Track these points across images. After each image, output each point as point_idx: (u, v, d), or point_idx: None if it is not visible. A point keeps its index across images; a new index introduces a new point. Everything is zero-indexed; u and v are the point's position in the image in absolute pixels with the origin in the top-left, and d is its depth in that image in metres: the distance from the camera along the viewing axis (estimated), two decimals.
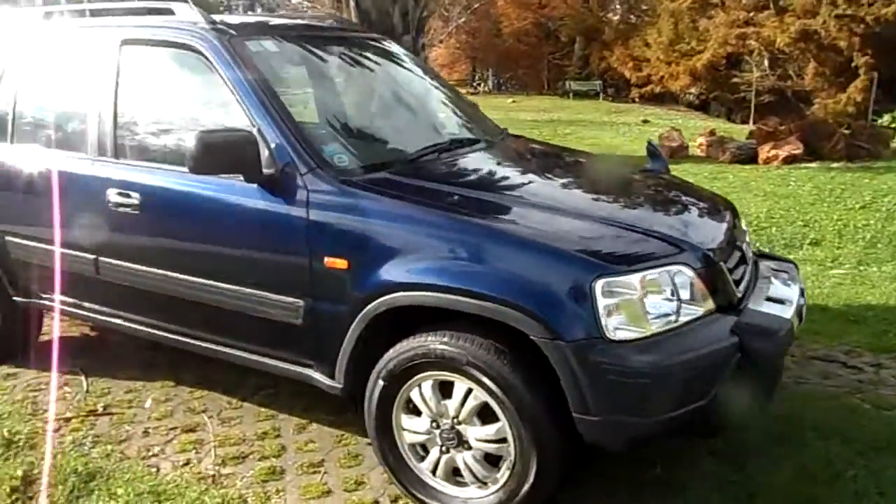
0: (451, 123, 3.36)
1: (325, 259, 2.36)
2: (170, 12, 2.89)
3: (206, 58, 2.66)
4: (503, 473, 2.24)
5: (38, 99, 3.25)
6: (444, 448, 2.31)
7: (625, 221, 2.37)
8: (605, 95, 26.26)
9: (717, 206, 2.82)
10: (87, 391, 3.31)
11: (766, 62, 23.23)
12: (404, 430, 2.39)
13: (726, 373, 2.15)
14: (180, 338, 2.89)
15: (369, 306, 2.29)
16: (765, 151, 10.15)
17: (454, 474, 2.34)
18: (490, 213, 2.33)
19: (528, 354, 2.11)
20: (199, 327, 2.82)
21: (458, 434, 2.27)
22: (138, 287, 2.87)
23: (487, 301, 2.09)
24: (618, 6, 28.92)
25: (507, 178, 2.91)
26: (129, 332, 3.08)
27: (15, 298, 3.38)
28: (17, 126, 3.22)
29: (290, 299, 2.48)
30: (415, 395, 2.33)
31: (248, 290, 2.56)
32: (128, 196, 2.77)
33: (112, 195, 2.81)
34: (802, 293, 2.58)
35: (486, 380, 2.15)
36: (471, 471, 2.29)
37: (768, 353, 2.22)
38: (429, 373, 2.27)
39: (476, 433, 2.25)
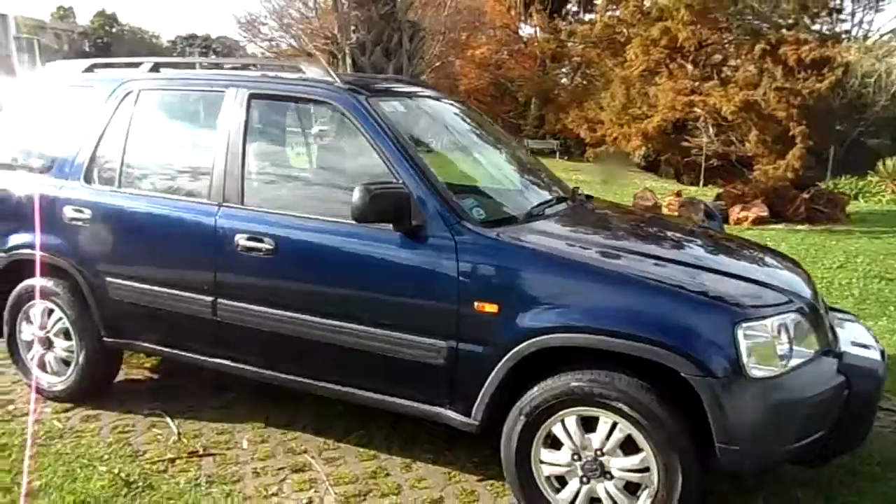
0: (542, 180, 3.65)
1: (475, 303, 2.57)
2: (298, 70, 3.12)
3: (345, 114, 2.88)
4: (644, 500, 2.45)
5: (150, 146, 3.39)
6: (584, 479, 2.51)
7: (741, 274, 2.68)
8: (560, 154, 27.36)
9: (793, 262, 3.18)
10: (180, 433, 3.34)
11: (711, 128, 24.68)
12: (543, 462, 2.57)
13: (839, 407, 2.46)
14: (301, 379, 3.00)
15: (519, 347, 2.50)
16: (735, 213, 10.88)
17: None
18: (631, 261, 2.61)
19: (669, 390, 2.37)
20: (325, 369, 2.95)
21: (601, 465, 2.48)
22: (262, 329, 2.99)
23: (642, 342, 2.35)
24: (565, 71, 30.48)
25: (620, 232, 3.19)
26: (236, 372, 3.16)
27: (105, 339, 3.43)
28: (126, 172, 3.34)
29: (433, 341, 2.65)
30: (557, 430, 2.53)
31: (388, 333, 2.73)
32: (260, 241, 2.92)
33: (241, 240, 2.95)
34: (876, 340, 2.94)
35: (634, 414, 2.38)
36: (612, 499, 2.49)
37: (870, 390, 2.54)
38: (574, 409, 2.48)
39: (620, 463, 2.46)
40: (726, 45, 24.87)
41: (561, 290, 2.50)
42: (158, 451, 3.19)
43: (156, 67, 3.49)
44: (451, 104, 3.82)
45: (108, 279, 3.31)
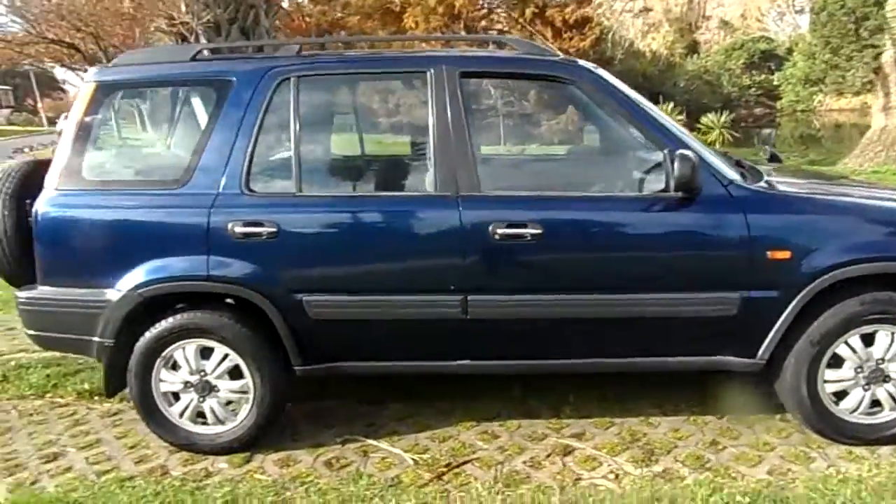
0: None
1: (768, 253, 2.80)
2: (506, 47, 2.99)
3: (583, 89, 2.87)
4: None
5: (329, 140, 3.02)
6: (865, 386, 2.91)
7: None
8: None
9: None
10: (415, 460, 3.06)
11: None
12: (827, 381, 2.93)
13: None
14: (565, 361, 2.98)
15: (812, 284, 2.79)
16: None
17: (873, 406, 2.95)
18: (871, 198, 3.02)
19: None
20: (596, 345, 2.96)
21: (881, 371, 2.90)
22: (525, 318, 2.89)
23: None
24: None
25: (825, 181, 3.56)
26: (479, 371, 3.03)
27: (298, 368, 3.01)
28: (307, 173, 2.93)
29: (725, 294, 2.83)
30: (841, 350, 2.89)
31: (677, 296, 2.84)
32: (523, 227, 2.81)
33: (499, 229, 2.81)
34: None
35: None
36: (892, 399, 2.93)
37: None
38: (856, 329, 2.86)
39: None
40: (498, 11, 26.66)
41: (838, 228, 2.84)
42: (412, 474, 2.93)
43: (288, 51, 3.05)
44: None
45: (308, 298, 2.90)
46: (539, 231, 2.80)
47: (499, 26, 26.66)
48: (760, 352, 2.90)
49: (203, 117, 3.06)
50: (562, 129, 3.06)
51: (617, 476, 2.86)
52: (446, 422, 3.34)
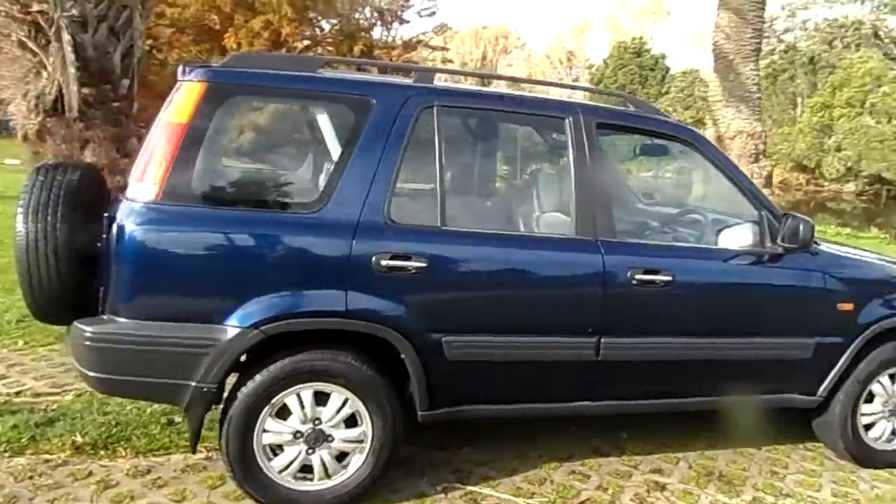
0: None
1: (837, 305, 3.26)
2: (625, 103, 3.17)
3: (702, 152, 3.14)
4: None
5: (467, 175, 2.91)
6: (889, 418, 3.48)
7: None
8: None
9: None
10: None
11: None
12: (862, 414, 3.45)
13: None
14: (675, 400, 3.16)
15: (866, 332, 3.31)
16: None
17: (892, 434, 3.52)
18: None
19: None
20: (704, 384, 3.18)
21: None
22: (648, 360, 3.02)
23: None
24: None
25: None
26: (601, 412, 3.08)
27: (424, 413, 2.81)
28: (450, 207, 2.79)
29: (805, 340, 3.24)
30: (875, 388, 3.43)
31: (772, 340, 3.20)
32: (656, 273, 2.96)
33: (637, 274, 2.93)
34: None
35: None
36: None
37: None
38: (889, 369, 3.43)
39: None
40: (325, 45, 26.61)
41: (883, 286, 3.40)
42: None
43: (425, 77, 2.92)
44: None
45: (448, 338, 2.74)
46: (669, 278, 2.97)
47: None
48: (820, 390, 3.34)
49: (332, 136, 2.78)
50: (671, 186, 3.32)
51: None
52: (529, 464, 3.31)
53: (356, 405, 2.71)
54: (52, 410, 3.48)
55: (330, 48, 26.74)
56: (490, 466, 3.26)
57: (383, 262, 2.63)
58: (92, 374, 2.55)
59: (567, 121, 2.96)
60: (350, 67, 3.07)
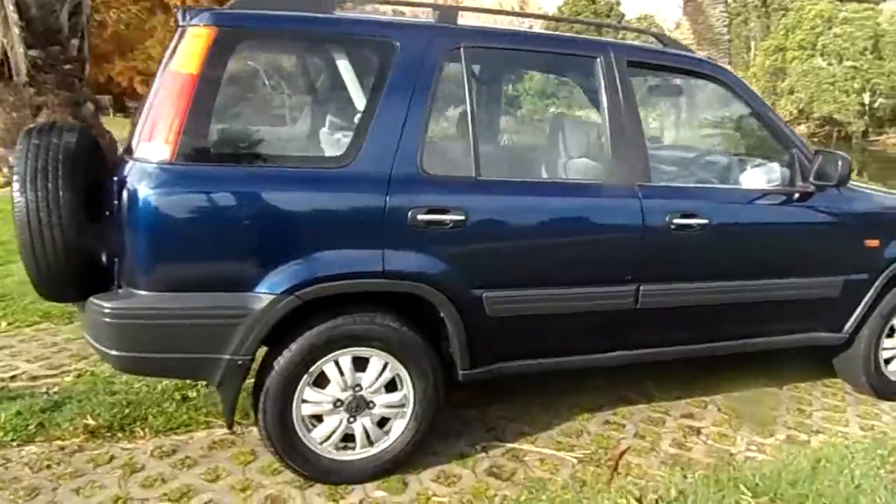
0: None
1: (865, 241, 3.24)
2: (662, 44, 3.03)
3: (733, 90, 3.04)
4: None
5: (500, 120, 2.76)
6: None
7: None
8: (115, 111, 23.94)
9: None
10: (578, 458, 2.94)
11: None
12: (884, 349, 3.48)
13: None
14: (711, 344, 3.11)
15: (891, 268, 3.30)
16: None
17: None
18: None
19: None
20: (735, 328, 3.14)
21: None
22: (684, 306, 2.95)
23: None
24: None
25: None
26: (640, 360, 3.02)
27: (465, 372, 2.71)
28: (484, 156, 2.63)
29: (835, 277, 3.21)
30: None
31: (803, 280, 3.16)
32: (692, 217, 2.87)
33: (675, 219, 2.84)
34: None
35: None
36: None
37: None
38: None
39: None
40: None
41: None
42: (586, 473, 2.82)
43: (448, 17, 2.70)
44: None
45: (489, 294, 2.62)
46: (705, 221, 2.89)
47: None
48: (846, 327, 3.34)
49: (354, 83, 2.58)
50: (720, 123, 3.22)
51: (759, 448, 3.07)
52: (561, 417, 3.26)
53: (396, 368, 2.59)
54: (55, 394, 3.27)
55: None
56: (522, 422, 3.19)
57: (420, 217, 2.47)
58: (114, 352, 2.36)
59: (598, 60, 2.81)
60: (362, 6, 2.82)
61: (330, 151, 2.52)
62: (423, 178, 2.51)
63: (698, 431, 3.19)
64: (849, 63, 31.63)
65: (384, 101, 2.49)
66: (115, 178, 2.36)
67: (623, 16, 42.26)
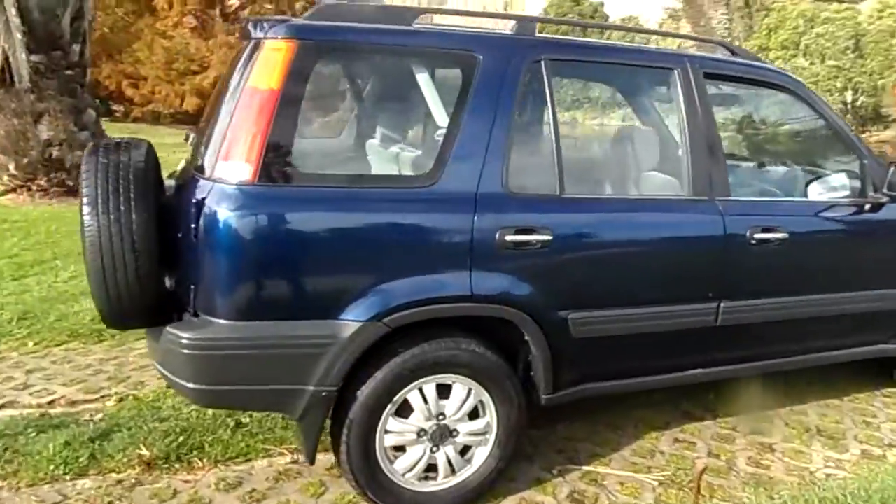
0: None
1: None
2: (733, 54, 2.96)
3: (805, 100, 2.97)
4: None
5: (581, 135, 2.63)
6: None
7: None
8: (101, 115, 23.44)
9: None
10: (659, 481, 2.85)
11: None
12: None
13: None
14: (789, 359, 3.04)
15: None
16: None
17: None
18: None
19: None
20: (812, 341, 3.07)
21: None
22: (765, 322, 2.88)
23: None
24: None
25: None
26: (719, 377, 2.94)
27: (547, 396, 2.60)
28: (568, 172, 2.53)
29: None
30: None
31: (874, 293, 3.09)
32: (774, 231, 2.79)
33: (756, 233, 2.76)
34: None
35: None
36: None
37: None
38: None
39: None
40: (263, 2, 25.33)
41: None
42: (670, 496, 2.73)
43: (527, 29, 2.60)
44: None
45: (574, 315, 2.52)
46: (784, 235, 2.82)
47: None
48: None
49: (435, 98, 2.46)
50: (794, 136, 3.16)
51: (837, 464, 3.01)
52: (630, 436, 3.17)
53: (480, 395, 2.48)
54: (101, 421, 3.11)
55: (268, 4, 25.50)
56: (592, 442, 3.10)
57: (508, 238, 2.36)
58: (192, 385, 2.22)
59: (676, 72, 2.72)
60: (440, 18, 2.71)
61: (414, 170, 2.41)
62: (508, 197, 2.40)
63: (771, 448, 3.12)
64: (831, 62, 31.97)
65: (468, 116, 2.37)
66: (190, 199, 2.22)
67: (607, 17, 42.38)
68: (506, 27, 2.62)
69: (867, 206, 3.04)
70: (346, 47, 2.37)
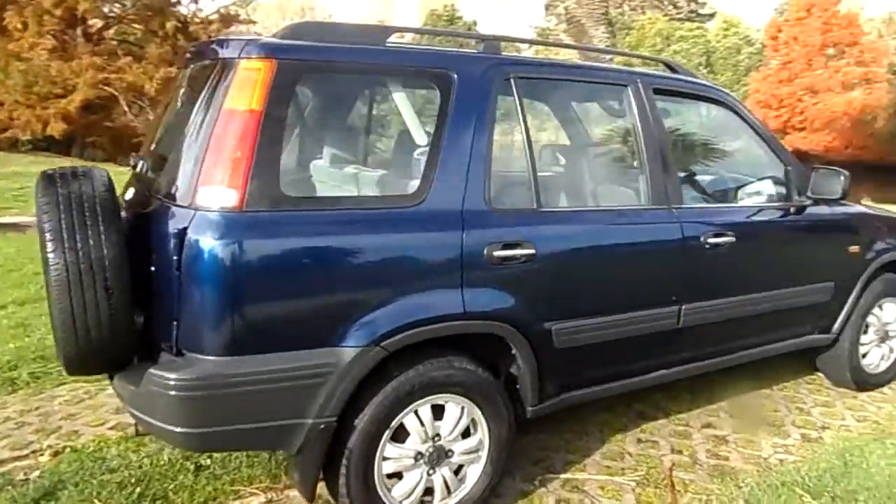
0: None
1: (849, 248, 3.52)
2: (673, 70, 3.14)
3: (736, 112, 3.21)
4: None
5: (551, 148, 2.71)
6: (879, 345, 3.85)
7: None
8: None
9: None
10: (636, 481, 2.94)
11: (125, 105, 23.60)
12: (861, 345, 3.78)
13: None
14: (735, 355, 3.25)
15: (868, 271, 3.61)
16: None
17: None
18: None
19: None
20: (756, 337, 3.30)
21: (887, 332, 3.86)
22: (715, 322, 3.05)
23: None
24: None
25: None
26: (673, 377, 3.07)
27: (532, 409, 2.63)
28: (543, 186, 2.59)
29: (825, 284, 3.46)
30: (870, 319, 3.77)
31: (805, 287, 3.37)
32: (724, 236, 2.98)
33: (709, 238, 2.94)
34: None
35: None
36: None
37: None
38: (882, 300, 3.78)
39: None
40: (129, 21, 24.16)
41: (877, 230, 3.70)
42: (648, 495, 2.83)
43: (494, 47, 2.63)
44: None
45: (557, 326, 2.57)
46: (732, 239, 3.02)
47: (131, 38, 24.03)
48: (835, 328, 3.61)
49: (412, 116, 2.44)
50: (728, 147, 3.37)
51: (785, 449, 3.24)
52: (597, 440, 3.26)
53: (473, 412, 2.47)
54: (40, 478, 2.80)
55: (137, 25, 24.25)
56: (565, 450, 3.16)
57: (496, 253, 2.38)
58: (181, 429, 2.05)
59: (629, 88, 2.86)
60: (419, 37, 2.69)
61: (399, 189, 2.37)
62: (492, 213, 2.42)
63: (725, 440, 3.31)
64: None
65: (448, 133, 2.37)
66: (163, 230, 2.07)
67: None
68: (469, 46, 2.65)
69: (793, 209, 3.32)
70: (326, 67, 2.30)
